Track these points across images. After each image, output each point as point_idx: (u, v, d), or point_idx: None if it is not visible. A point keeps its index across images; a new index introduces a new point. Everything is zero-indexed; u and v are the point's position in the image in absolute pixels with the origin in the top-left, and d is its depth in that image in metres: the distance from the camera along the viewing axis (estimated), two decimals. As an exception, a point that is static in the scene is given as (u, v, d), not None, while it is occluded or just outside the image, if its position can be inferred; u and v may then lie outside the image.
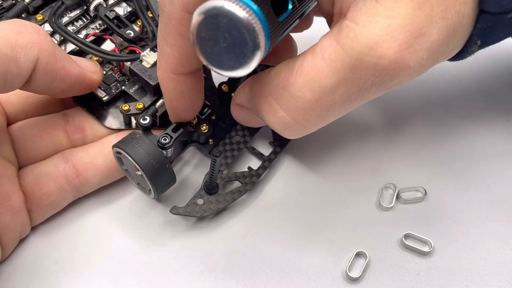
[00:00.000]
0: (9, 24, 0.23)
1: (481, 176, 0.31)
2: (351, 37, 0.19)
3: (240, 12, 0.18)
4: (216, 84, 0.31)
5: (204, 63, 0.20)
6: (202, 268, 0.27)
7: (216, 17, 0.18)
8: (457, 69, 0.36)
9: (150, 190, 0.26)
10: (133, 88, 0.29)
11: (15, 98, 0.28)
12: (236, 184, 0.29)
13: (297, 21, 0.23)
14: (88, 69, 0.27)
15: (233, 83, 0.30)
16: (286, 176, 0.30)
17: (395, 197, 0.29)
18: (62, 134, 0.28)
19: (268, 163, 0.30)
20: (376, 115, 0.33)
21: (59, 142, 0.28)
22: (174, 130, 0.26)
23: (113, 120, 0.29)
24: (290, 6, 0.21)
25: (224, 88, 0.30)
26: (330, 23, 0.22)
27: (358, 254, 0.27)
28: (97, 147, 0.28)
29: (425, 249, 0.27)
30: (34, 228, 0.28)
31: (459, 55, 0.23)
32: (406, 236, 0.28)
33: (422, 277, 0.27)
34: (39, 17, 0.29)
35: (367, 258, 0.27)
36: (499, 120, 0.33)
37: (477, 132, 0.32)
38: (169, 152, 0.26)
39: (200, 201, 0.28)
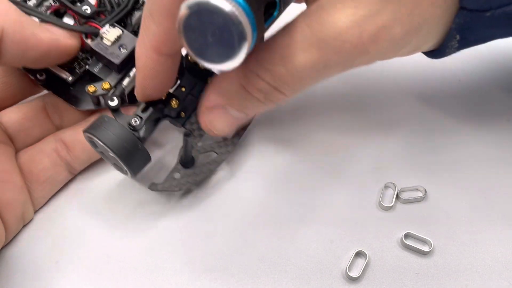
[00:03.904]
0: None
1: (482, 176, 0.30)
2: (319, 22, 0.21)
3: (226, 6, 0.18)
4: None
5: (192, 56, 0.20)
6: (202, 267, 0.27)
7: (202, 11, 0.18)
8: (457, 68, 0.36)
9: (125, 170, 0.26)
10: (98, 67, 0.28)
11: None
12: (213, 155, 0.29)
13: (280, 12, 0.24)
14: (61, 35, 0.27)
15: None
16: (287, 176, 0.30)
17: (395, 196, 0.29)
18: (47, 119, 0.29)
19: (242, 131, 0.29)
20: (376, 115, 0.33)
21: (45, 126, 0.29)
22: (144, 110, 0.26)
23: (84, 101, 0.28)
24: (275, 13, 0.21)
25: (191, 58, 0.30)
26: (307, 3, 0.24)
27: (358, 254, 0.27)
28: (83, 124, 0.28)
29: (425, 248, 0.27)
30: (33, 229, 0.28)
31: (441, 51, 0.24)
32: (406, 236, 0.28)
33: (422, 276, 0.27)
34: None
35: (367, 258, 0.27)
36: (499, 120, 0.33)
37: (477, 132, 0.32)
38: (141, 132, 0.26)
39: (177, 175, 0.28)
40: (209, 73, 0.30)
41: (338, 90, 0.35)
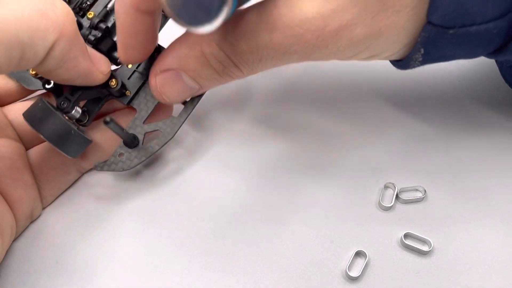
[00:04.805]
0: (35, 3, 0.22)
1: (481, 175, 0.30)
2: (288, 7, 0.22)
3: None
4: None
5: (169, 15, 0.20)
6: (202, 267, 0.27)
7: None
8: (457, 69, 0.36)
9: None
10: None
11: None
12: (158, 134, 0.29)
13: None
14: (98, 67, 0.26)
15: None
16: (286, 176, 0.31)
17: (395, 196, 0.29)
18: None
19: (189, 108, 0.29)
20: (376, 115, 0.33)
21: None
22: (73, 93, 0.26)
23: (36, 81, 0.28)
24: None
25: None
26: None
27: (358, 254, 0.27)
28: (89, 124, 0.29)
29: (425, 248, 0.27)
30: (34, 229, 0.28)
31: (405, 62, 0.25)
32: (406, 236, 0.28)
33: (422, 276, 0.27)
34: None
35: (367, 258, 0.27)
36: (499, 120, 0.33)
37: (477, 132, 0.32)
38: (75, 114, 0.26)
39: (122, 156, 0.28)
40: (157, 49, 0.29)
41: (338, 90, 0.35)
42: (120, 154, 0.28)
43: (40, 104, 0.25)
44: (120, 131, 0.26)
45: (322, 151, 0.32)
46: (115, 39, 0.28)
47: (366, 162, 0.31)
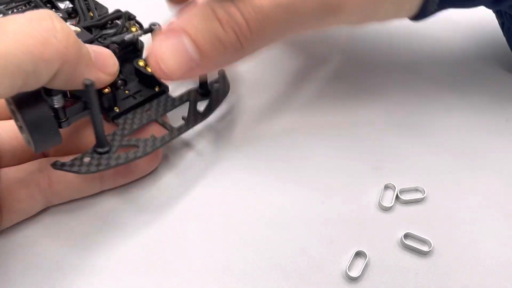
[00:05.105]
0: (37, 30, 0.21)
1: (481, 176, 0.31)
2: None
3: None
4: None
5: None
6: (201, 267, 0.27)
7: None
8: (457, 69, 0.36)
9: (29, 142, 0.24)
10: None
11: None
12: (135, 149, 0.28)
13: None
14: (105, 69, 0.25)
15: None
16: (286, 176, 0.31)
17: (394, 197, 0.29)
18: None
19: (174, 134, 0.28)
20: (376, 115, 0.33)
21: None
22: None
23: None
24: None
25: (141, 63, 0.30)
26: None
27: (358, 254, 0.27)
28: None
29: (425, 248, 0.27)
30: (34, 229, 0.28)
31: (423, 9, 0.24)
32: (406, 236, 0.28)
33: (422, 276, 0.27)
34: None
35: (367, 258, 0.27)
36: (498, 120, 0.33)
37: (477, 132, 0.32)
38: (57, 101, 0.25)
39: (86, 160, 0.26)
40: (157, 82, 0.30)
41: (338, 90, 0.35)
42: (86, 158, 0.26)
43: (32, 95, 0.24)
44: (96, 108, 0.24)
45: (322, 151, 0.32)
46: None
47: (366, 162, 0.31)
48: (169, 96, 0.31)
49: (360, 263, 0.27)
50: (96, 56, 0.24)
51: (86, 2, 0.34)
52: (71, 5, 0.34)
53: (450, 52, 0.37)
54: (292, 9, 0.22)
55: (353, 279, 0.26)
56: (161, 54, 0.24)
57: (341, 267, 0.27)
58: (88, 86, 0.24)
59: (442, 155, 0.31)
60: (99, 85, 0.25)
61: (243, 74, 0.36)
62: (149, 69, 0.29)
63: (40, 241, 0.28)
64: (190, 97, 0.31)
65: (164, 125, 0.29)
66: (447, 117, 0.33)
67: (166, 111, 0.30)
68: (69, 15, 0.33)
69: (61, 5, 0.34)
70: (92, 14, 0.33)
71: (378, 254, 0.27)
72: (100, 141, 0.26)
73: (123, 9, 0.33)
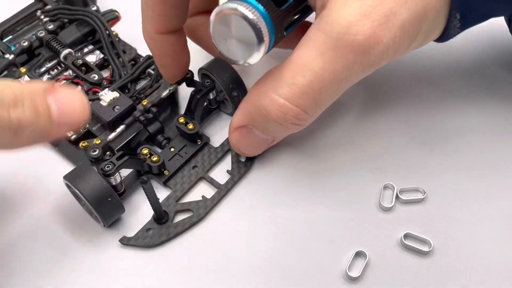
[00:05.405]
0: None
1: (481, 176, 0.31)
2: (329, 22, 0.22)
3: (250, 14, 0.22)
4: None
5: (220, 53, 0.25)
6: (201, 269, 0.27)
7: (230, 17, 0.23)
8: (457, 71, 0.36)
9: (97, 218, 0.27)
10: (96, 126, 0.31)
11: None
12: (190, 214, 0.29)
13: (301, 18, 0.26)
14: (73, 120, 0.21)
15: (191, 112, 0.31)
16: (286, 176, 0.31)
17: (394, 197, 0.29)
18: None
19: (223, 191, 0.29)
20: (376, 115, 0.33)
21: None
22: (119, 158, 0.27)
23: (83, 158, 0.29)
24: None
25: (181, 120, 0.31)
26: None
27: (358, 254, 0.27)
28: None
29: (425, 248, 0.27)
30: (34, 228, 0.28)
31: (444, 34, 0.25)
32: (406, 236, 0.28)
33: (422, 276, 0.27)
34: (23, 69, 0.33)
35: (367, 258, 0.27)
36: (498, 120, 0.33)
37: (477, 132, 0.32)
38: (114, 180, 0.27)
39: (149, 232, 0.28)
40: (198, 136, 0.31)
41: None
42: (148, 230, 0.28)
43: (85, 168, 0.26)
44: (153, 197, 0.26)
45: (322, 151, 0.32)
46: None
47: (366, 163, 0.31)
48: (211, 147, 0.31)
49: (360, 263, 0.27)
50: (60, 111, 0.21)
51: (116, 51, 0.34)
52: (101, 55, 0.34)
53: (448, 52, 0.37)
54: (340, 79, 0.23)
55: (353, 279, 0.26)
56: (240, 145, 0.28)
57: (341, 267, 0.27)
58: (144, 185, 0.25)
59: (442, 155, 0.31)
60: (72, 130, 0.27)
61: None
62: (190, 126, 0.30)
63: (39, 241, 0.28)
64: (230, 147, 0.30)
65: (212, 182, 0.30)
66: (446, 117, 0.33)
67: (211, 165, 0.30)
68: (101, 66, 0.34)
69: (92, 56, 0.34)
70: (122, 60, 0.34)
71: (378, 254, 0.27)
72: (159, 215, 0.28)
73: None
